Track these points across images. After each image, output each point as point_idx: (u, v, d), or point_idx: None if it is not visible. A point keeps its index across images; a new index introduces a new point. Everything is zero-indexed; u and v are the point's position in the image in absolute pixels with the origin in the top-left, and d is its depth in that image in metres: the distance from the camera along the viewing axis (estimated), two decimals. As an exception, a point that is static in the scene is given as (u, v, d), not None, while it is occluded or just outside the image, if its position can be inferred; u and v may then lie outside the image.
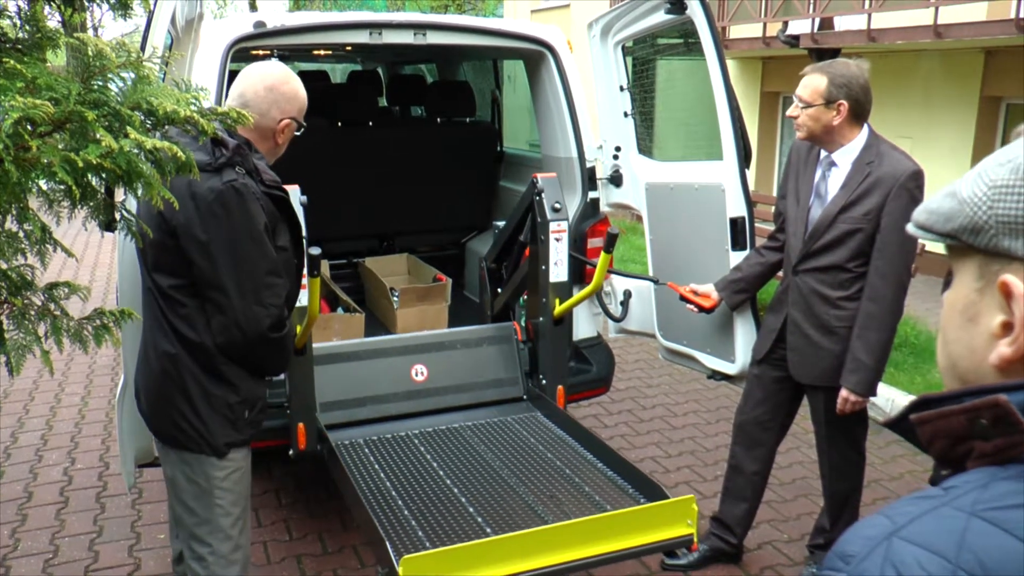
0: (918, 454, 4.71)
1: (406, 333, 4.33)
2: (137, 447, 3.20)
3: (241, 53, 3.84)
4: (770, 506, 4.15)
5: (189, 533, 2.52)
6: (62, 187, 1.25)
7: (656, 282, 4.04)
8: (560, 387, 3.93)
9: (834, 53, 8.33)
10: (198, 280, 2.29)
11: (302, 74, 7.68)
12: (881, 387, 4.57)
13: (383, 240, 5.70)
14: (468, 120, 5.74)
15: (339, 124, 5.37)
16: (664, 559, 3.68)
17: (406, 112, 6.34)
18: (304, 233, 3.30)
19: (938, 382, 5.10)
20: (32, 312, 1.48)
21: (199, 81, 3.40)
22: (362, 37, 3.89)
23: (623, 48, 4.28)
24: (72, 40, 1.47)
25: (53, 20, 1.63)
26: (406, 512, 3.08)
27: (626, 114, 4.28)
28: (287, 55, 6.37)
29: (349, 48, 5.72)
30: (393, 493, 3.21)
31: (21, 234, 1.43)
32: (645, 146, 4.37)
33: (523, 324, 4.17)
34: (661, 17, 3.83)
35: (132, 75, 1.34)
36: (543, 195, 3.79)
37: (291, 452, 3.51)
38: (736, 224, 3.66)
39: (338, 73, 9.77)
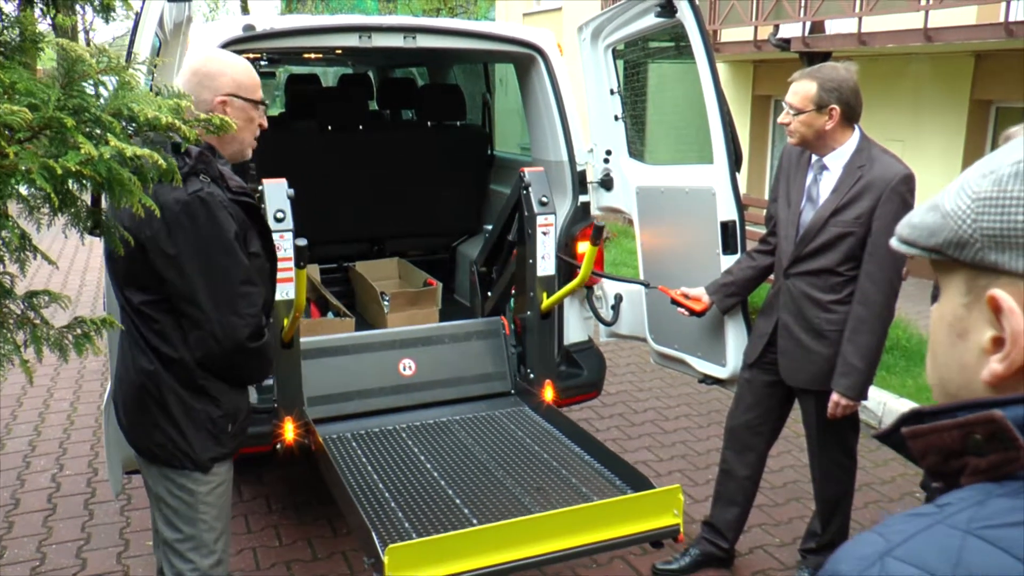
0: (909, 457, 4.71)
1: (395, 328, 4.33)
2: (124, 454, 3.17)
3: (230, 57, 3.81)
4: (762, 510, 4.14)
5: (171, 549, 2.46)
6: (42, 194, 1.23)
7: (647, 286, 4.04)
8: (548, 381, 3.96)
9: (825, 56, 8.35)
10: (171, 295, 2.24)
11: (293, 77, 7.68)
12: (872, 390, 4.58)
13: (374, 244, 5.68)
14: (459, 124, 5.73)
15: (329, 128, 5.35)
16: (655, 564, 3.67)
17: (397, 116, 6.32)
18: (291, 227, 3.31)
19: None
20: (11, 321, 1.46)
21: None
22: (352, 41, 3.88)
23: (613, 51, 4.28)
24: (55, 44, 1.45)
25: (44, 23, 1.61)
26: (393, 504, 3.10)
27: (616, 117, 4.28)
28: (277, 58, 6.34)
29: (339, 52, 5.70)
30: (380, 486, 3.22)
31: (-1, 241, 1.41)
32: (636, 149, 4.36)
33: (511, 319, 4.18)
34: (651, 20, 3.82)
35: (114, 80, 1.33)
36: (530, 189, 3.81)
37: (278, 446, 3.51)
38: (727, 228, 3.65)
39: (330, 76, 9.74)
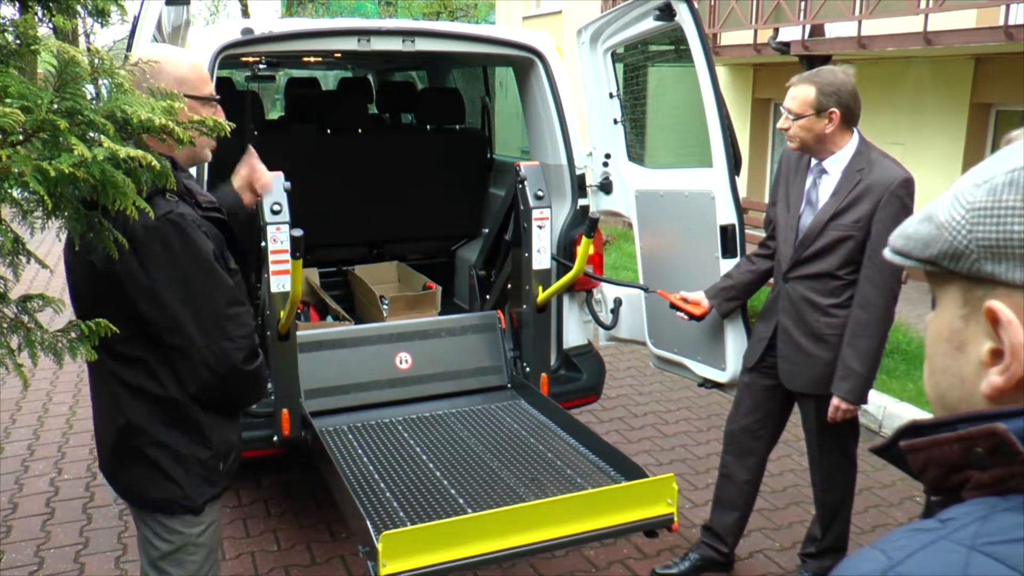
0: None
1: (393, 321, 4.36)
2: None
3: (229, 60, 3.82)
4: (761, 514, 4.13)
5: None
6: (35, 197, 1.22)
7: (646, 290, 4.03)
8: (544, 375, 3.98)
9: (825, 60, 8.34)
10: (153, 328, 2.06)
11: (293, 81, 7.68)
12: (873, 394, 4.56)
13: (373, 248, 5.68)
14: (458, 127, 5.73)
15: (328, 131, 5.35)
16: (655, 569, 3.66)
17: (396, 119, 6.32)
18: (287, 220, 3.31)
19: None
20: (5, 325, 1.45)
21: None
22: (350, 44, 3.88)
23: (613, 55, 4.27)
24: (51, 48, 1.44)
25: (44, 27, 1.61)
26: (388, 494, 3.12)
27: (616, 121, 4.27)
28: (276, 62, 6.34)
29: (339, 55, 5.70)
30: (376, 476, 3.25)
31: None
32: (635, 153, 4.35)
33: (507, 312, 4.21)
34: (650, 24, 3.82)
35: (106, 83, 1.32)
36: (526, 183, 3.82)
37: (275, 438, 3.54)
38: (726, 231, 3.64)
39: (330, 80, 9.75)
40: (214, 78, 3.57)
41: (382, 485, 3.18)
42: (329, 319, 4.79)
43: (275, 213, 3.30)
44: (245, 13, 25.31)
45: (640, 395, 5.91)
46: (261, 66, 5.47)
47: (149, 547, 2.27)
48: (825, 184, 3.13)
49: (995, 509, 0.71)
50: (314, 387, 3.76)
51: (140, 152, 1.30)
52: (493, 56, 4.48)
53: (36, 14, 1.54)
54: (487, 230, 4.72)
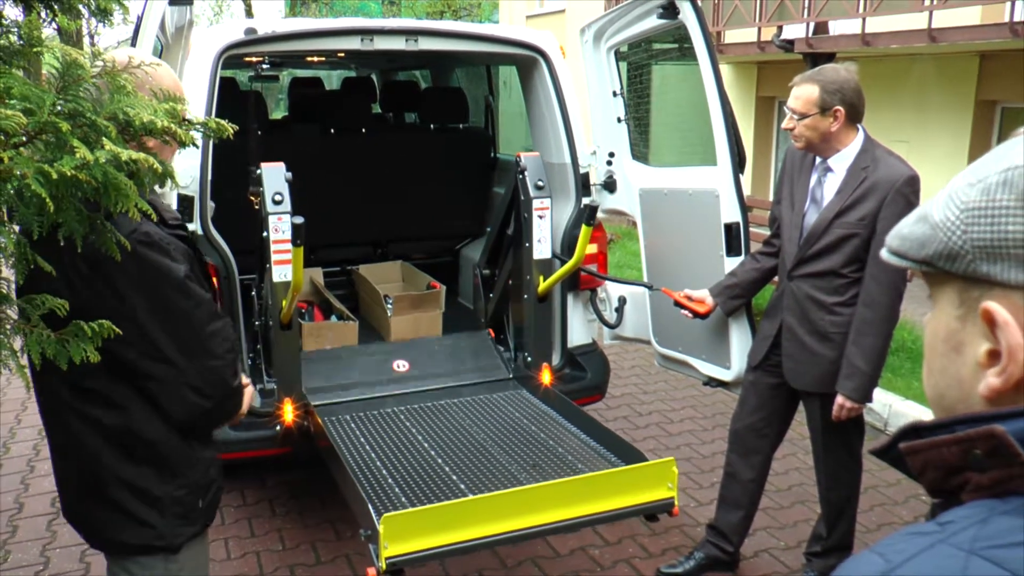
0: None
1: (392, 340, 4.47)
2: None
3: (232, 60, 3.82)
4: (766, 513, 4.12)
5: None
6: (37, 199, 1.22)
7: (650, 288, 4.03)
8: (545, 364, 4.00)
9: (829, 57, 8.33)
10: (128, 357, 1.89)
11: (296, 81, 7.68)
12: (878, 392, 4.55)
13: (377, 247, 5.68)
14: (462, 126, 5.72)
15: (332, 131, 5.35)
16: (660, 568, 3.66)
17: (400, 118, 6.32)
18: (289, 210, 3.33)
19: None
20: (8, 326, 1.46)
21: (189, 88, 3.40)
22: (354, 44, 3.88)
23: (616, 53, 4.27)
24: (54, 49, 1.44)
25: (48, 28, 1.61)
26: (390, 480, 3.16)
27: (619, 120, 4.27)
28: (280, 62, 6.34)
29: (342, 55, 5.71)
30: (378, 463, 3.28)
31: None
32: (639, 152, 4.35)
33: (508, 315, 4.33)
34: (654, 22, 3.81)
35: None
36: (526, 173, 3.84)
37: (277, 427, 3.55)
38: (731, 229, 3.64)
39: (333, 79, 9.75)
40: (217, 79, 3.57)
41: (384, 471, 3.21)
42: (333, 319, 4.79)
43: (276, 203, 3.32)
44: (249, 13, 25.32)
45: (645, 394, 5.90)
46: (264, 66, 5.48)
47: None
48: (830, 182, 3.12)
49: (994, 512, 0.70)
50: (316, 385, 3.81)
51: (142, 155, 1.30)
52: (497, 55, 4.49)
53: (40, 15, 1.54)
54: (490, 229, 4.73)
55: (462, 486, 3.08)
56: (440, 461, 3.29)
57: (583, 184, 4.23)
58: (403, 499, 2.99)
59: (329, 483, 4.39)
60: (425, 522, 2.56)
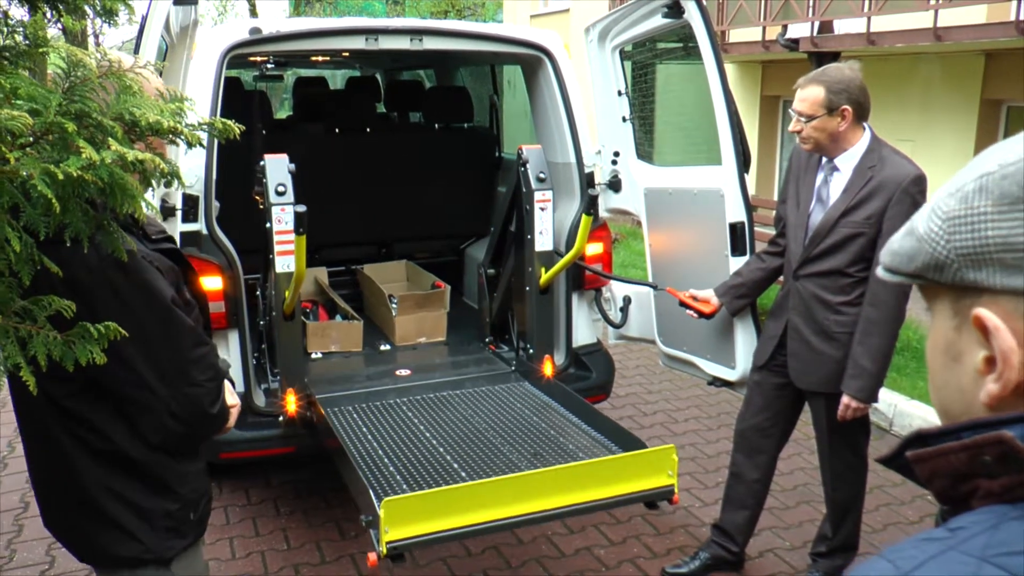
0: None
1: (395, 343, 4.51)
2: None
3: (237, 59, 3.83)
4: (772, 513, 4.12)
5: None
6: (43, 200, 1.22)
7: (655, 287, 4.02)
8: (547, 356, 4.01)
9: (834, 57, 8.31)
10: (107, 381, 1.83)
11: (301, 80, 7.70)
12: (883, 392, 4.54)
13: (381, 247, 5.69)
14: (466, 126, 5.72)
15: (337, 130, 5.36)
16: (665, 568, 3.65)
17: (404, 118, 6.33)
18: (291, 201, 3.34)
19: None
20: (13, 327, 1.46)
21: (194, 88, 3.40)
22: (358, 43, 3.88)
23: (621, 53, 4.26)
24: (60, 49, 1.44)
25: (54, 28, 1.61)
26: (391, 468, 3.18)
27: (624, 119, 4.26)
28: (284, 61, 6.36)
29: (347, 54, 5.71)
30: (379, 451, 3.32)
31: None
32: (644, 151, 4.35)
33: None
34: (659, 21, 3.81)
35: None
36: (528, 166, 3.85)
37: (280, 418, 3.59)
38: (736, 229, 3.63)
39: (338, 79, 9.76)
40: (222, 79, 3.58)
41: (385, 459, 3.24)
42: (338, 318, 4.79)
43: (280, 195, 3.33)
44: (253, 13, 25.36)
45: (649, 394, 5.89)
46: (269, 65, 5.49)
47: None
48: (836, 181, 3.11)
49: (1005, 518, 0.70)
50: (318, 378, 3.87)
51: (149, 155, 1.30)
52: (501, 55, 4.48)
53: (45, 15, 1.54)
54: (494, 228, 4.73)
55: (463, 473, 3.10)
56: (441, 450, 3.31)
57: (588, 183, 4.23)
58: (404, 486, 3.02)
59: (333, 482, 4.40)
60: (426, 507, 2.57)
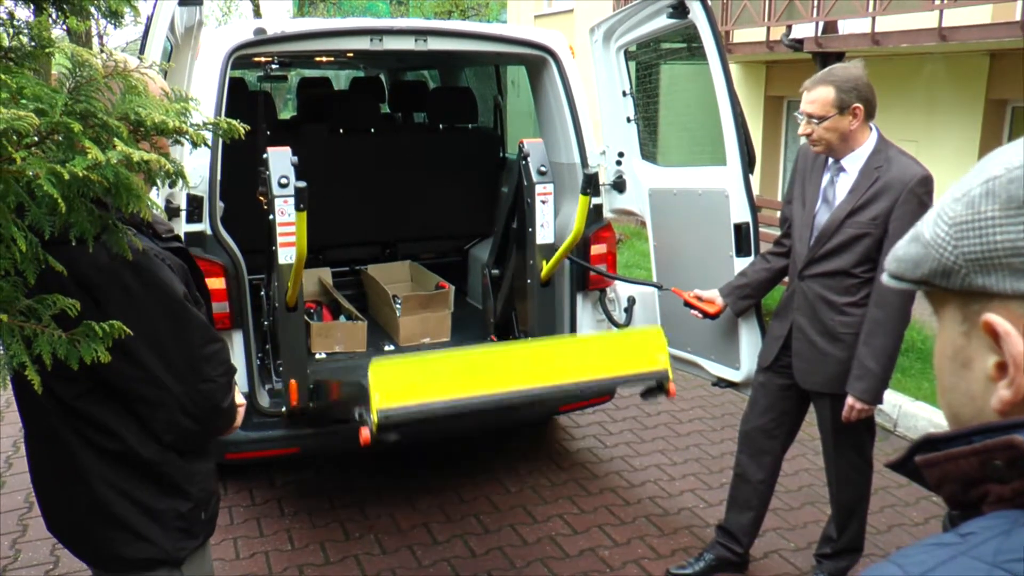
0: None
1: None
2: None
3: (242, 60, 3.83)
4: (776, 514, 4.11)
5: None
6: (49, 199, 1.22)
7: (660, 288, 4.02)
8: None
9: (838, 57, 8.30)
10: (118, 379, 1.82)
11: (305, 81, 7.70)
12: (888, 393, 4.52)
13: (385, 247, 5.69)
14: (470, 126, 5.72)
15: (341, 131, 5.36)
16: (669, 569, 3.65)
17: (408, 118, 6.33)
18: (292, 194, 3.33)
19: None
20: (18, 327, 1.46)
21: (199, 89, 3.41)
22: (363, 44, 3.89)
23: (626, 53, 4.26)
24: (65, 50, 1.45)
25: (58, 29, 1.61)
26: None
27: (629, 119, 4.26)
28: (289, 62, 6.36)
29: (351, 55, 5.72)
30: None
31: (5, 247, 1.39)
32: (648, 151, 4.34)
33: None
34: (663, 21, 3.80)
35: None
36: (529, 159, 3.85)
37: (284, 409, 3.58)
38: (740, 230, 3.63)
39: (342, 79, 9.76)
40: (226, 79, 3.58)
41: None
42: (342, 319, 4.79)
43: (283, 186, 3.33)
44: (257, 13, 25.39)
45: (653, 394, 5.89)
46: (273, 66, 5.49)
47: None
48: (842, 181, 3.10)
49: (1017, 523, 0.69)
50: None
51: (154, 156, 1.30)
52: (505, 55, 4.48)
53: (50, 16, 1.54)
54: (497, 227, 4.74)
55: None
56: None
57: (591, 183, 4.23)
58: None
59: (337, 483, 4.40)
60: (415, 373, 2.53)
